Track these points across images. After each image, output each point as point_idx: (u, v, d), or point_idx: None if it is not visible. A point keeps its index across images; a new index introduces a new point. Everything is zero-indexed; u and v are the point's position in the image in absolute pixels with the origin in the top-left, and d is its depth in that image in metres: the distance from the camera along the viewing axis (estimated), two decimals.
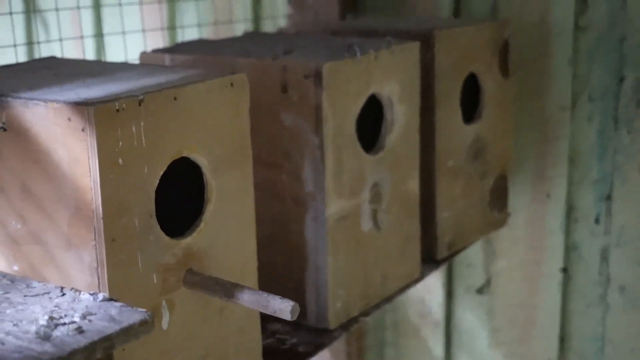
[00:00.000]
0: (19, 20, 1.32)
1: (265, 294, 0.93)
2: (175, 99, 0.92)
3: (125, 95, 0.87)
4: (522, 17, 1.65)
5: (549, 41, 1.64)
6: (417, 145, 1.32)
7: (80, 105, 0.84)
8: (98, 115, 0.84)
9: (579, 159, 1.65)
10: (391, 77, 1.24)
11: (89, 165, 0.85)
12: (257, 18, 1.66)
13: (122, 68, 1.05)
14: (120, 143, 0.86)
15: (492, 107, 1.51)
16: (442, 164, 1.40)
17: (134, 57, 1.30)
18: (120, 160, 0.86)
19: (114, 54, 1.40)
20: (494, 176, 1.55)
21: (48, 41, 1.31)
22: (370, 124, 1.24)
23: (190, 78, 0.97)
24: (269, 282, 1.13)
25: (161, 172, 0.91)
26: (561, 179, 1.67)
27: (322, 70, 1.12)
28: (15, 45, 1.20)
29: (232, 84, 0.99)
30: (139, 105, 0.88)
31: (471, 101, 1.48)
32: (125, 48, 1.35)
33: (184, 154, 0.94)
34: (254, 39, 1.36)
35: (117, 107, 0.86)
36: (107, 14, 1.39)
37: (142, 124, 0.88)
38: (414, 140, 1.31)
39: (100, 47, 1.39)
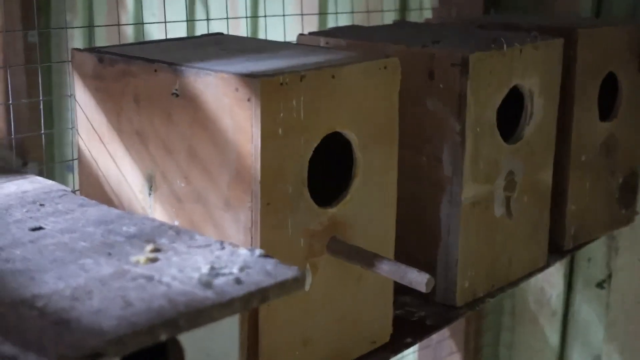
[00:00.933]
0: (181, 2, 1.35)
1: (403, 266, 0.94)
2: (333, 77, 0.93)
3: (288, 71, 0.89)
4: None
5: None
6: (553, 138, 1.30)
7: (247, 77, 0.87)
8: (264, 87, 0.86)
9: None
10: (534, 71, 1.23)
11: (252, 133, 0.87)
12: (404, 9, 1.66)
13: (285, 47, 1.07)
14: (282, 114, 0.88)
15: (628, 107, 1.48)
16: (576, 158, 1.38)
17: (290, 40, 1.33)
18: (280, 131, 0.89)
19: (273, 35, 1.42)
20: (624, 173, 1.52)
21: (208, 19, 1.34)
22: (511, 115, 1.23)
23: (348, 59, 0.98)
24: (402, 257, 1.14)
25: (315, 144, 0.93)
26: None
27: (468, 59, 1.12)
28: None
29: (385, 67, 1.00)
30: (301, 80, 0.90)
31: (608, 99, 1.45)
32: (284, 30, 1.38)
33: (337, 129, 0.96)
34: (404, 27, 1.37)
35: (281, 81, 0.88)
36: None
37: (302, 98, 0.90)
38: (551, 134, 1.29)
39: (258, 28, 1.42)
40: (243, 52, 1.03)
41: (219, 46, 1.08)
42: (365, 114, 0.98)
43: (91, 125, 1.04)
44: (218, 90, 0.90)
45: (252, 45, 1.08)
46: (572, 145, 1.37)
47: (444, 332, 1.77)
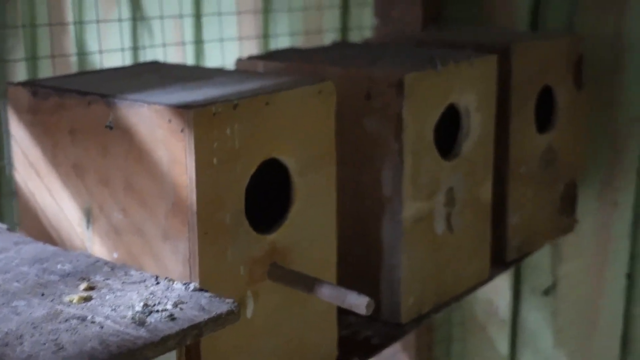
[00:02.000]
0: (126, 26, 1.35)
1: (343, 290, 0.94)
2: (267, 104, 0.93)
3: (221, 100, 0.89)
4: (597, 30, 1.63)
5: (623, 54, 1.61)
6: (492, 153, 1.31)
7: (180, 109, 0.86)
8: (196, 118, 0.86)
9: None
10: (469, 88, 1.23)
11: (187, 164, 0.86)
12: (344, 28, 1.66)
13: (219, 73, 1.07)
14: (216, 144, 0.88)
15: (565, 118, 1.49)
16: (515, 170, 1.39)
17: (230, 63, 1.32)
18: (215, 160, 0.88)
19: (212, 59, 1.42)
20: (564, 183, 1.53)
21: (152, 46, 1.34)
22: (448, 131, 1.24)
23: (282, 85, 0.98)
24: (347, 276, 1.14)
25: (252, 172, 0.93)
26: (629, 188, 1.63)
27: (403, 80, 1.12)
28: (122, 50, 1.23)
29: (320, 92, 1.00)
30: (234, 109, 0.89)
31: (545, 112, 1.46)
32: (222, 54, 1.37)
33: (273, 156, 0.95)
34: (342, 48, 1.37)
35: (213, 111, 0.87)
36: (207, 22, 1.41)
37: (236, 126, 0.90)
38: (489, 148, 1.30)
39: (199, 52, 1.41)
40: (177, 80, 1.02)
41: (153, 75, 1.07)
42: (301, 139, 0.98)
43: (27, 159, 1.02)
44: (152, 122, 0.89)
45: (187, 73, 1.07)
46: (511, 158, 1.38)
47: (396, 346, 1.77)
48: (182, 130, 0.86)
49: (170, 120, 0.87)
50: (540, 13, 1.71)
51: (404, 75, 1.12)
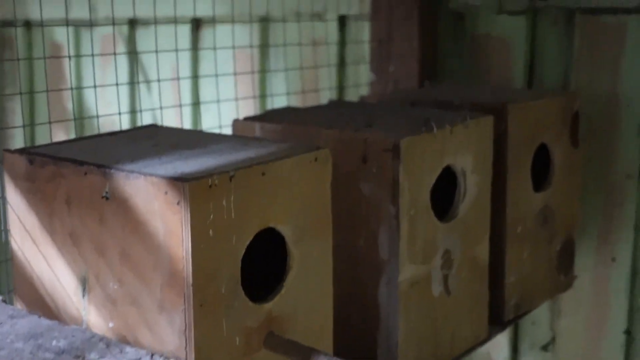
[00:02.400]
0: (124, 89, 1.36)
1: None
2: (263, 174, 0.93)
3: (217, 172, 0.89)
4: (593, 86, 1.64)
5: (618, 111, 1.62)
6: (488, 213, 1.31)
7: (176, 181, 0.86)
8: (192, 190, 0.86)
9: None
10: (465, 149, 1.24)
11: (182, 237, 0.86)
12: (341, 86, 1.68)
13: (215, 140, 1.07)
14: (212, 216, 0.88)
15: (561, 176, 1.49)
16: (511, 230, 1.39)
17: (227, 122, 1.33)
18: (210, 232, 0.88)
19: (209, 120, 1.43)
20: (561, 240, 1.53)
21: (152, 109, 1.34)
22: (444, 193, 1.24)
23: (278, 154, 0.98)
24: (344, 340, 1.13)
25: (248, 242, 0.92)
26: (627, 243, 1.63)
27: (400, 144, 1.12)
28: (120, 113, 1.23)
29: (316, 159, 1.00)
30: (230, 180, 0.89)
31: (541, 169, 1.47)
32: (219, 115, 1.38)
33: (270, 225, 0.95)
34: (338, 108, 1.38)
35: (209, 183, 0.87)
36: (204, 83, 1.42)
37: (232, 197, 0.90)
38: (485, 209, 1.30)
39: (197, 113, 1.42)
40: (174, 148, 1.02)
41: (150, 141, 1.07)
42: (297, 207, 0.98)
43: (24, 226, 1.02)
44: (148, 194, 0.89)
45: (184, 140, 1.07)
46: (508, 217, 1.38)
47: None
48: (178, 203, 0.86)
49: (166, 193, 0.87)
50: (536, 69, 1.72)
51: (399, 140, 1.12)
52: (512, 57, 1.73)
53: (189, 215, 0.86)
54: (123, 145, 1.06)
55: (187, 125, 1.58)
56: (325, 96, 1.63)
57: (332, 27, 1.77)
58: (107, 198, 0.92)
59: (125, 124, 1.36)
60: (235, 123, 1.27)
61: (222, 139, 1.08)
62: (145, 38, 1.70)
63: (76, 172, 0.95)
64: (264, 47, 1.50)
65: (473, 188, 1.26)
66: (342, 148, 1.16)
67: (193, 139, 1.08)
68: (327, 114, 1.32)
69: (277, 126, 1.23)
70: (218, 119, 1.39)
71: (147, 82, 1.33)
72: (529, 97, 1.45)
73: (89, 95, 1.29)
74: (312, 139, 1.18)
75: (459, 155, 1.23)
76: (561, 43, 1.69)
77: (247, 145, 1.04)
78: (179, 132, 1.16)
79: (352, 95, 1.70)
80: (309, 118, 1.28)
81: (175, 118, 1.39)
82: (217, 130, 1.31)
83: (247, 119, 1.28)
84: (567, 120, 1.49)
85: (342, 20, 1.80)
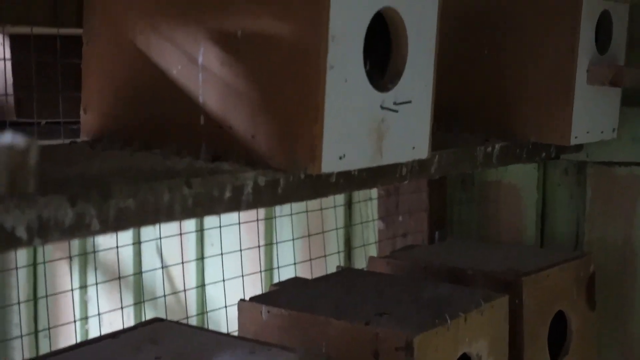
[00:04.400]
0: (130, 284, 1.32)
1: None
2: None
3: None
4: (606, 239, 1.59)
5: (633, 262, 1.57)
6: None
7: None
8: None
9: None
10: (480, 336, 1.19)
11: None
12: (348, 250, 1.64)
13: (222, 347, 1.02)
14: None
15: (578, 341, 1.44)
16: None
17: (233, 302, 1.28)
18: None
19: (215, 301, 1.38)
20: None
21: (154, 298, 1.30)
22: None
23: None
24: None
25: None
26: None
27: (412, 342, 1.07)
28: (122, 307, 1.19)
29: None
30: None
31: (558, 335, 1.41)
32: (224, 294, 1.34)
33: None
34: (347, 283, 1.33)
35: None
36: (210, 263, 1.39)
37: None
38: None
39: (202, 294, 1.38)
40: (175, 357, 0.97)
41: (153, 347, 1.02)
42: None
43: None
44: None
45: (189, 349, 1.02)
46: None
47: None
48: None
49: None
50: (548, 218, 1.68)
51: (412, 337, 1.07)
52: (523, 205, 1.69)
53: None
54: (124, 353, 1.01)
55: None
56: (332, 262, 1.59)
57: None
58: None
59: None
60: (241, 305, 1.23)
61: (228, 346, 1.03)
62: None
63: None
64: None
65: None
66: (352, 341, 1.12)
67: (198, 347, 1.03)
68: (336, 292, 1.27)
69: (284, 312, 1.18)
70: (224, 299, 1.35)
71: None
72: (543, 263, 1.40)
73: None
74: (322, 330, 1.14)
75: (473, 342, 1.18)
76: (573, 192, 1.65)
77: (255, 353, 0.99)
78: (185, 333, 1.11)
79: (359, 255, 1.66)
80: (317, 300, 1.23)
81: (181, 302, 1.34)
82: (222, 310, 1.26)
83: (253, 299, 1.24)
84: (583, 284, 1.45)
85: None
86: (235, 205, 0.88)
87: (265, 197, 0.91)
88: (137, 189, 0.76)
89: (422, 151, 1.04)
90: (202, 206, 0.83)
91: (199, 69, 0.96)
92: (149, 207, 0.77)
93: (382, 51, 0.99)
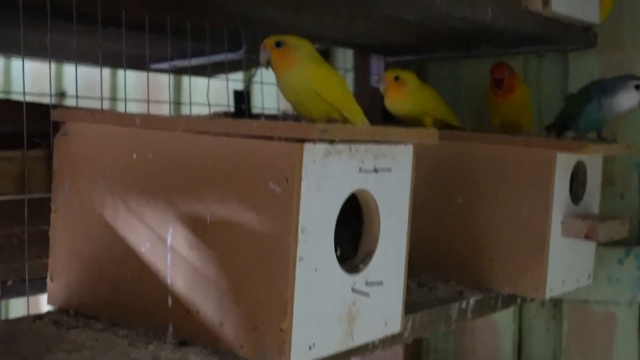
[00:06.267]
0: None
1: None
2: None
3: None
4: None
5: None
6: None
7: None
8: None
9: None
10: None
11: None
12: None
13: None
14: None
15: None
16: None
17: None
18: None
19: None
20: None
21: None
22: None
23: None
24: None
25: None
26: None
27: None
28: None
29: None
30: None
31: None
32: None
33: None
34: None
35: None
36: None
37: None
38: None
39: None
40: None
41: None
42: None
43: None
44: None
45: None
46: None
47: None
48: None
49: None
50: (524, 353, 1.66)
51: None
52: (499, 336, 1.67)
53: None
54: None
55: None
56: None
57: None
58: None
59: None
60: None
61: None
62: None
63: None
64: None
65: None
66: None
67: None
68: None
69: None
70: None
71: None
72: None
73: None
74: None
75: None
76: (549, 325, 1.63)
77: None
78: None
79: None
80: None
81: None
82: None
83: None
84: None
85: None
86: None
87: None
88: None
89: (394, 326, 1.01)
90: None
91: (167, 249, 0.94)
92: None
93: (354, 223, 0.98)
